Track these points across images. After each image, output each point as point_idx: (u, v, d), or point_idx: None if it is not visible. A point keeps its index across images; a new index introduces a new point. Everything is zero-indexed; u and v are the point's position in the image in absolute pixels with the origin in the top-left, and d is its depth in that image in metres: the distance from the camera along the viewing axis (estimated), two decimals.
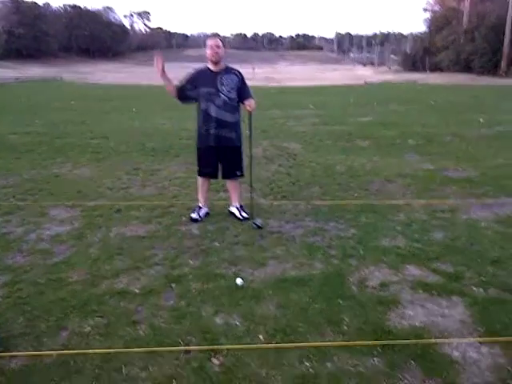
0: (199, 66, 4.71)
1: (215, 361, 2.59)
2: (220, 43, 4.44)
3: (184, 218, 4.84)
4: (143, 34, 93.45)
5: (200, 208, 4.92)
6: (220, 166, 4.82)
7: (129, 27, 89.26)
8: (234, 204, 4.96)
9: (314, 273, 3.60)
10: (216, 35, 4.92)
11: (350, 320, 2.95)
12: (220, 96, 4.49)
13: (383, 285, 3.40)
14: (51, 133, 10.42)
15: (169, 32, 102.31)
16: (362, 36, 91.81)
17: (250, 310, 3.09)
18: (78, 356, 2.63)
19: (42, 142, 9.19)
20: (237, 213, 4.89)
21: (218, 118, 4.56)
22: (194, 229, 4.57)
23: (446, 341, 2.72)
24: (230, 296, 3.26)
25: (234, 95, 4.57)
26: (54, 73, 43.76)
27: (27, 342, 2.78)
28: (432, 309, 3.08)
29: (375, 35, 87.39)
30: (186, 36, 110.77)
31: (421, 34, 58.58)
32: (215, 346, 2.70)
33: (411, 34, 61.55)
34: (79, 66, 57.05)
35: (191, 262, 3.84)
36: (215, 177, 4.90)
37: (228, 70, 4.58)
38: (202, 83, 4.52)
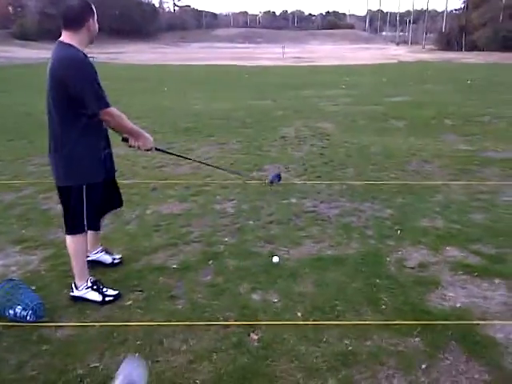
0: (75, 52, 2.71)
1: (254, 336, 2.62)
2: None
3: (218, 197, 4.87)
4: (172, 14, 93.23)
5: (97, 286, 3.02)
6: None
7: (158, 6, 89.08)
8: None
9: (350, 252, 3.58)
10: None
11: (389, 300, 2.93)
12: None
13: (422, 265, 3.35)
14: None
15: (197, 11, 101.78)
16: (394, 13, 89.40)
17: (287, 287, 3.10)
18: (121, 328, 2.70)
19: None
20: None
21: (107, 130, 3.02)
22: (229, 207, 4.59)
23: (489, 322, 2.67)
24: (266, 273, 3.28)
25: None
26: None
27: (71, 313, 2.87)
28: (473, 290, 3.03)
29: (409, 12, 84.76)
30: (215, 15, 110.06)
31: (456, 10, 56.64)
32: (254, 322, 2.73)
33: (446, 10, 59.52)
34: (110, 47, 57.52)
35: (227, 239, 3.87)
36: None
37: None
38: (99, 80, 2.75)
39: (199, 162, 3.80)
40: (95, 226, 3.20)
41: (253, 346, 2.53)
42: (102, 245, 3.48)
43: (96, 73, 2.72)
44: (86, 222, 2.93)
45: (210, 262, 3.48)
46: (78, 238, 2.96)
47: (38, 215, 4.46)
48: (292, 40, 74.41)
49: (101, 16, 2.95)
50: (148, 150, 3.10)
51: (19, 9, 64.88)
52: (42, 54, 42.02)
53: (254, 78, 20.03)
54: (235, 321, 2.75)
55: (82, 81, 2.63)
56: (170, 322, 2.76)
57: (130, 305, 2.94)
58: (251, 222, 4.22)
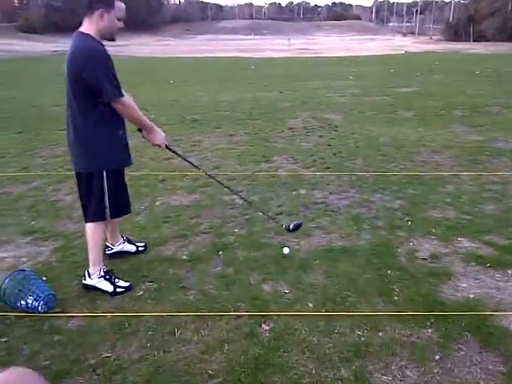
0: (91, 43, 2.70)
1: (265, 327, 2.61)
2: None
3: (226, 189, 4.83)
4: (177, 6, 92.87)
5: (110, 276, 3.04)
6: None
7: None
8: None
9: (361, 243, 3.56)
10: None
11: (401, 291, 2.90)
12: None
13: (434, 256, 3.32)
14: None
15: (203, 3, 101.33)
16: (401, 4, 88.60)
17: (297, 278, 3.08)
18: (132, 318, 2.70)
19: None
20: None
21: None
22: (238, 199, 4.56)
23: (503, 313, 2.64)
24: (277, 264, 3.26)
25: None
26: None
27: (82, 304, 2.87)
28: (486, 281, 3.00)
29: (416, 3, 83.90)
30: (220, 6, 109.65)
31: (464, 0, 56.02)
32: (265, 313, 2.72)
33: (454, 0, 58.87)
34: None
35: (236, 230, 3.86)
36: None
37: None
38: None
39: (193, 165, 3.66)
40: (118, 214, 3.12)
41: (264, 336, 2.52)
42: (122, 236, 3.49)
43: (112, 63, 2.71)
44: (108, 210, 2.92)
45: (220, 253, 3.47)
46: (98, 225, 2.98)
47: (48, 207, 4.46)
48: (298, 31, 74.02)
49: None
50: (157, 146, 3.08)
51: (24, 1, 64.92)
52: (47, 47, 42.06)
53: (260, 69, 19.93)
54: (246, 311, 2.74)
55: (97, 73, 2.63)
56: (182, 312, 2.75)
57: (141, 295, 2.94)
58: (260, 214, 4.19)
